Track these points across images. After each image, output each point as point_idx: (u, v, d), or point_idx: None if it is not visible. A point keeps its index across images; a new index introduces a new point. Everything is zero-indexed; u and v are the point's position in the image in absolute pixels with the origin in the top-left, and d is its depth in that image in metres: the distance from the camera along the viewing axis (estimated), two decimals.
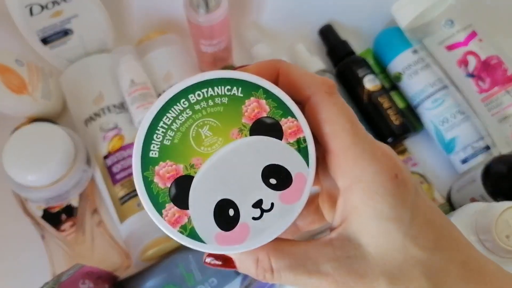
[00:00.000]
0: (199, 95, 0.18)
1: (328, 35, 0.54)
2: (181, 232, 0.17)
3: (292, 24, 0.55)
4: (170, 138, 0.18)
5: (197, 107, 0.18)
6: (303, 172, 0.18)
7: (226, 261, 0.19)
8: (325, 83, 0.18)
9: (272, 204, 0.17)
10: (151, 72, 0.48)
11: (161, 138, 0.17)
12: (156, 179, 0.17)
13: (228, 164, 0.17)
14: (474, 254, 0.17)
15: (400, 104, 0.50)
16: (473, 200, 0.42)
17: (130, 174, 0.44)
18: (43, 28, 0.44)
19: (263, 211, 0.17)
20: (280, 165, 0.18)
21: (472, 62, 0.45)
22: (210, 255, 0.19)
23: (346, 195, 0.18)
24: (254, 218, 0.17)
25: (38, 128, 0.41)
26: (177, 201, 0.17)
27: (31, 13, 0.42)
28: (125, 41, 0.51)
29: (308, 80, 0.18)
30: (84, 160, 0.43)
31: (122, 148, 0.45)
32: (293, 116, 0.18)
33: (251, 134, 0.18)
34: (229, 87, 0.18)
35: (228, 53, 0.51)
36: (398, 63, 0.50)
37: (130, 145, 0.45)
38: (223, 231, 0.17)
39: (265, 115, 0.18)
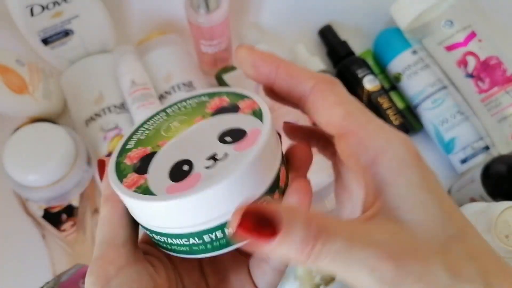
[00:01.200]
0: (175, 107, 0.21)
1: (328, 35, 0.54)
2: (135, 191, 0.17)
3: (292, 24, 0.55)
4: (145, 134, 0.20)
5: (170, 112, 0.21)
6: (258, 127, 0.18)
7: (264, 227, 0.14)
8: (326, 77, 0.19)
9: (226, 154, 0.17)
10: (151, 72, 0.48)
11: (138, 135, 0.20)
12: (125, 160, 0.19)
13: (188, 138, 0.19)
14: (494, 251, 0.16)
15: (400, 105, 0.50)
16: (472, 200, 0.42)
17: None
18: (43, 29, 0.44)
19: (216, 160, 0.17)
20: (234, 127, 0.18)
21: (472, 62, 0.45)
22: (246, 213, 0.14)
23: (373, 170, 0.16)
24: (206, 167, 0.17)
25: (38, 128, 0.41)
26: (138, 170, 0.18)
27: (31, 13, 0.42)
28: (126, 41, 0.51)
29: (310, 72, 0.19)
30: (84, 160, 0.43)
31: None
32: (249, 98, 0.20)
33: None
34: (199, 95, 0.21)
35: (228, 54, 0.51)
36: (398, 64, 0.50)
37: None
38: (174, 183, 0.17)
39: (226, 105, 0.20)
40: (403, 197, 0.16)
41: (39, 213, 0.44)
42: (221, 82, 0.49)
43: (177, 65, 0.49)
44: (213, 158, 0.17)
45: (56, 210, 0.44)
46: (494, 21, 0.50)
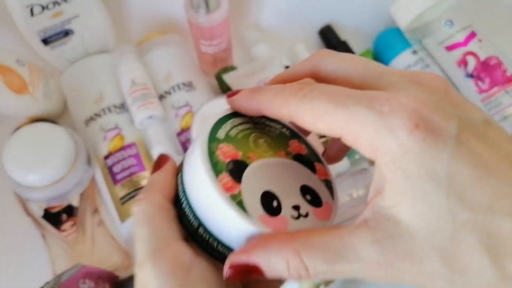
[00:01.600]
0: (261, 120, 0.22)
1: (328, 35, 0.54)
2: (231, 198, 0.18)
3: (292, 24, 0.55)
4: (234, 133, 0.20)
5: (257, 125, 0.21)
6: (329, 202, 0.21)
7: (251, 270, 0.17)
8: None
9: (307, 213, 0.19)
10: (151, 72, 0.48)
11: (227, 130, 0.20)
12: (218, 152, 0.19)
13: (275, 169, 0.20)
14: None
15: None
16: None
17: (131, 174, 0.44)
18: (44, 29, 0.44)
19: (300, 215, 0.19)
20: (314, 189, 0.20)
21: (472, 62, 0.45)
22: (231, 267, 0.17)
23: (376, 165, 0.16)
24: (292, 217, 0.19)
25: (38, 128, 0.41)
26: (232, 174, 0.18)
27: (31, 13, 0.42)
28: (126, 42, 0.51)
29: (279, 97, 0.18)
30: (84, 160, 0.43)
31: (123, 148, 0.45)
32: (322, 164, 0.22)
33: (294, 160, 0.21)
34: (281, 126, 0.22)
35: (228, 54, 0.51)
36: (398, 64, 0.50)
37: (131, 145, 0.45)
38: (266, 214, 0.18)
39: (304, 154, 0.22)
40: (401, 193, 0.14)
41: (39, 213, 0.44)
42: (221, 82, 0.49)
43: (177, 65, 0.49)
44: (298, 210, 0.19)
45: (56, 210, 0.44)
46: (494, 21, 0.50)
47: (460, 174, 0.14)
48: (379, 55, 0.53)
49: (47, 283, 0.35)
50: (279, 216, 0.18)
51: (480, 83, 0.45)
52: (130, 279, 0.42)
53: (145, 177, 0.44)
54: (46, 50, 0.47)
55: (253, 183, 0.19)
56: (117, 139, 0.45)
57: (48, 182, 0.40)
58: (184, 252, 0.18)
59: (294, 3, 0.55)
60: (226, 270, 0.17)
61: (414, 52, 0.49)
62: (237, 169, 0.19)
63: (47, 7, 0.42)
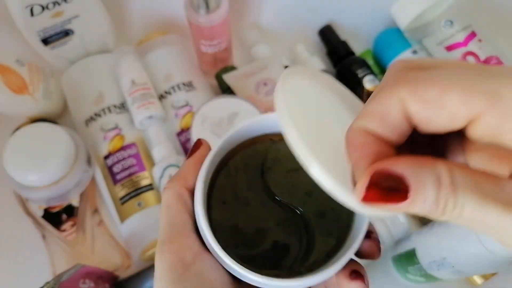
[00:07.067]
0: None
1: (328, 35, 0.54)
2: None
3: (292, 24, 0.55)
4: None
5: None
6: None
7: (395, 194, 0.13)
8: None
9: None
10: (151, 72, 0.48)
11: None
12: None
13: None
14: None
15: None
16: None
17: (131, 174, 0.44)
18: (43, 29, 0.44)
19: None
20: None
21: (472, 62, 0.45)
22: (376, 173, 0.14)
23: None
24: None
25: (39, 128, 0.41)
26: None
27: (31, 13, 0.42)
28: (126, 42, 0.51)
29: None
30: (84, 160, 0.43)
31: (123, 148, 0.45)
32: None
33: None
34: None
35: (228, 54, 0.51)
36: None
37: (131, 145, 0.45)
38: None
39: None
40: None
41: (39, 213, 0.44)
42: (221, 82, 0.49)
43: (177, 65, 0.49)
44: None
45: (56, 210, 0.44)
46: (494, 21, 0.50)
47: None
48: (379, 55, 0.53)
49: (47, 283, 0.35)
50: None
51: None
52: (130, 279, 0.42)
53: (145, 177, 0.44)
54: (46, 50, 0.47)
55: None
56: (117, 139, 0.45)
57: (48, 182, 0.40)
58: (189, 247, 0.18)
59: (294, 3, 0.55)
60: (362, 185, 0.14)
61: (414, 52, 0.49)
62: None
63: (47, 7, 0.42)
